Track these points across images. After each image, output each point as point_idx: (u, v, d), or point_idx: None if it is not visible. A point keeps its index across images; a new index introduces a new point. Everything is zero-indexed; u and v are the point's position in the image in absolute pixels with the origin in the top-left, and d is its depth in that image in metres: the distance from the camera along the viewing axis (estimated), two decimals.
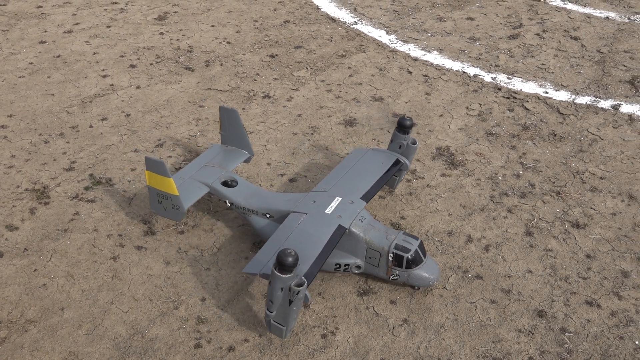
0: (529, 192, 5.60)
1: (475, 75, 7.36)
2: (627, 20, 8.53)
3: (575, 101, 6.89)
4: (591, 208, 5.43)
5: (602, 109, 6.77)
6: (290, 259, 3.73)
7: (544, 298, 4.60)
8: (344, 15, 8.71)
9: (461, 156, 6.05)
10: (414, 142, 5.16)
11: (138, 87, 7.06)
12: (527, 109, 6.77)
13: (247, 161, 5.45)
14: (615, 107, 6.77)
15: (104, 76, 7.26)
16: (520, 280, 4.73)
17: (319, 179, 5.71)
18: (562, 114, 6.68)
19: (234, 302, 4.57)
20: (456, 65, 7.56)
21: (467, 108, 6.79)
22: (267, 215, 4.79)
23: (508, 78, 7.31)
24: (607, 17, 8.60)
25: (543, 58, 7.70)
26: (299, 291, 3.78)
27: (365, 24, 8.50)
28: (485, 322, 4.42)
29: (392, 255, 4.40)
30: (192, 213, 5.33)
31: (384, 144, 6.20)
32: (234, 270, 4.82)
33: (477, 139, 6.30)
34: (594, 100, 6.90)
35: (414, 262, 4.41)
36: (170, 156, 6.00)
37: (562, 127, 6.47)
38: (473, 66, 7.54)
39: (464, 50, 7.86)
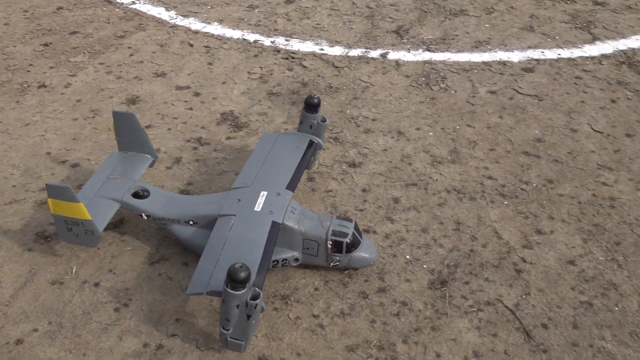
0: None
1: (255, 41, 7.57)
2: None
3: (348, 54, 7.33)
4: (365, 147, 5.86)
5: (372, 58, 7.28)
6: (243, 274, 3.48)
7: None
8: None
9: (245, 118, 6.24)
10: (324, 120, 5.05)
11: None
12: (305, 66, 7.10)
13: (151, 165, 5.04)
14: (384, 55, 7.31)
15: None
16: None
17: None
18: (337, 67, 7.09)
19: (19, 295, 4.41)
20: (237, 34, 7.71)
21: (248, 73, 6.98)
22: (191, 222, 4.46)
23: (286, 40, 7.60)
24: None
25: (318, 18, 8.08)
26: (256, 304, 3.61)
27: (144, 3, 8.38)
28: None
29: (330, 242, 4.30)
30: None
31: (168, 117, 6.22)
32: (17, 264, 4.63)
33: (259, 100, 6.52)
34: (365, 52, 7.39)
35: (353, 245, 4.35)
36: None
37: (338, 79, 6.88)
38: (253, 33, 7.74)
39: (244, 19, 8.04)
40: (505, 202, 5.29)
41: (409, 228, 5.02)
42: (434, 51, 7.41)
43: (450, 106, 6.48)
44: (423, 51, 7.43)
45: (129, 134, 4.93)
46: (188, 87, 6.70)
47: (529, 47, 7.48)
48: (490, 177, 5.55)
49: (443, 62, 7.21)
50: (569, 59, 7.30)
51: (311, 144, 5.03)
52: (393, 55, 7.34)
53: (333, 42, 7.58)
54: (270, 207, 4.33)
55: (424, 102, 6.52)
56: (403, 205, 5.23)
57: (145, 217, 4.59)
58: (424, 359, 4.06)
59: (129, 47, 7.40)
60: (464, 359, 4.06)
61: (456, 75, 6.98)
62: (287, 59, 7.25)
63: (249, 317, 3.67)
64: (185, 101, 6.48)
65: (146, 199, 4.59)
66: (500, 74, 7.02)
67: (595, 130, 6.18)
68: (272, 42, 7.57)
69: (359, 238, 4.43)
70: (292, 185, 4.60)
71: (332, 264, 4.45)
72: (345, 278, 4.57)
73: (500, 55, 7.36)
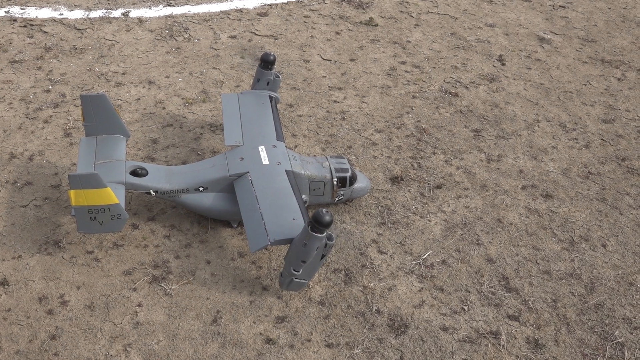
0: (62, 102, 6.01)
1: None
2: None
3: (89, 17, 7.40)
4: (118, 99, 6.11)
5: (114, 18, 7.43)
6: (328, 218, 3.73)
7: None
8: None
9: None
10: (278, 76, 5.27)
11: None
12: (45, 32, 7.05)
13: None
14: (126, 14, 7.50)
15: None
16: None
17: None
18: (79, 29, 7.15)
19: None
20: None
21: None
22: (201, 189, 4.51)
23: (22, 9, 7.43)
24: None
25: None
26: (333, 244, 3.89)
27: None
28: (42, 216, 4.79)
29: (336, 179, 4.64)
30: None
31: None
32: None
33: (1, 69, 6.40)
34: (107, 12, 7.51)
35: (353, 178, 4.76)
36: None
37: (82, 41, 6.96)
38: None
39: None
40: None
41: (170, 163, 5.42)
42: (174, 6, 7.76)
43: (196, 53, 6.93)
44: (164, 7, 7.74)
45: (99, 116, 4.66)
46: None
47: None
48: None
49: (184, 15, 7.60)
50: (298, 2, 8.10)
51: (270, 98, 5.32)
52: (135, 13, 7.56)
53: (72, 7, 7.58)
54: (276, 159, 4.63)
55: (170, 53, 6.89)
56: (162, 144, 5.61)
57: (154, 194, 4.53)
58: (197, 265, 4.55)
59: None
60: (233, 255, 4.62)
61: (198, 26, 7.42)
62: (25, 27, 7.13)
63: (323, 256, 4.02)
64: None
65: (147, 176, 4.53)
66: (238, 20, 7.60)
67: (324, 59, 7.04)
68: (7, 11, 7.36)
69: (354, 171, 4.91)
70: (280, 137, 4.91)
71: (336, 199, 4.88)
72: None
73: (237, 3, 7.93)
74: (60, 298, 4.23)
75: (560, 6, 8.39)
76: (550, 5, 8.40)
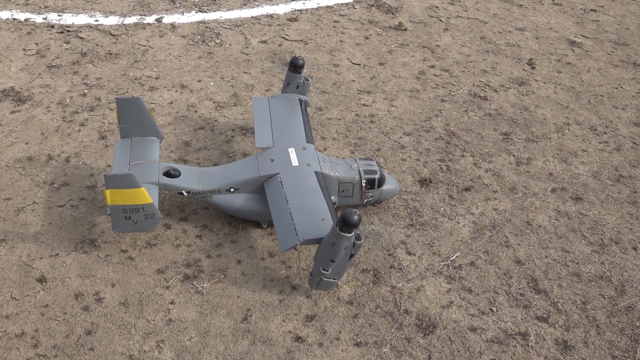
0: (97, 105, 6.17)
1: (26, 20, 7.52)
2: None
3: (124, 23, 7.58)
4: (152, 103, 6.24)
5: (148, 24, 7.60)
6: (356, 217, 3.79)
7: None
8: None
9: (27, 92, 6.29)
10: (307, 79, 5.37)
11: None
12: (82, 38, 7.24)
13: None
14: (159, 20, 7.66)
15: None
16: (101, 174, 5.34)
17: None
18: (114, 35, 7.33)
19: None
20: (5, 15, 7.60)
21: (24, 50, 6.97)
22: (232, 190, 4.60)
23: (59, 16, 7.64)
24: None
25: None
26: (361, 243, 3.95)
27: None
28: (78, 216, 4.93)
29: (364, 181, 4.71)
30: None
31: None
32: None
33: (39, 74, 6.59)
34: (141, 18, 7.68)
35: (382, 180, 4.83)
36: None
37: (117, 46, 7.13)
38: (22, 12, 7.67)
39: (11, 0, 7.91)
40: None
41: (202, 164, 5.53)
42: (206, 12, 7.90)
43: (227, 58, 7.05)
44: (196, 12, 7.89)
45: (133, 119, 4.79)
46: None
47: (292, 0, 8.26)
48: None
49: (216, 21, 7.74)
50: (328, 7, 8.19)
51: (300, 102, 5.43)
52: (168, 19, 7.72)
53: (107, 13, 7.76)
54: (305, 160, 4.71)
55: (202, 57, 7.02)
56: (194, 147, 5.73)
57: (186, 194, 4.65)
58: (227, 265, 4.64)
59: None
60: (263, 255, 4.71)
61: (229, 31, 7.55)
62: (62, 32, 7.33)
63: (351, 256, 4.07)
64: None
65: (180, 177, 4.64)
66: (268, 25, 7.71)
67: (353, 63, 7.10)
68: (45, 18, 7.58)
69: (383, 173, 4.97)
70: (310, 139, 5.00)
71: (365, 201, 4.94)
72: None
73: (267, 9, 8.04)
74: (95, 295, 4.35)
75: (591, 10, 8.33)
76: (581, 9, 8.35)
